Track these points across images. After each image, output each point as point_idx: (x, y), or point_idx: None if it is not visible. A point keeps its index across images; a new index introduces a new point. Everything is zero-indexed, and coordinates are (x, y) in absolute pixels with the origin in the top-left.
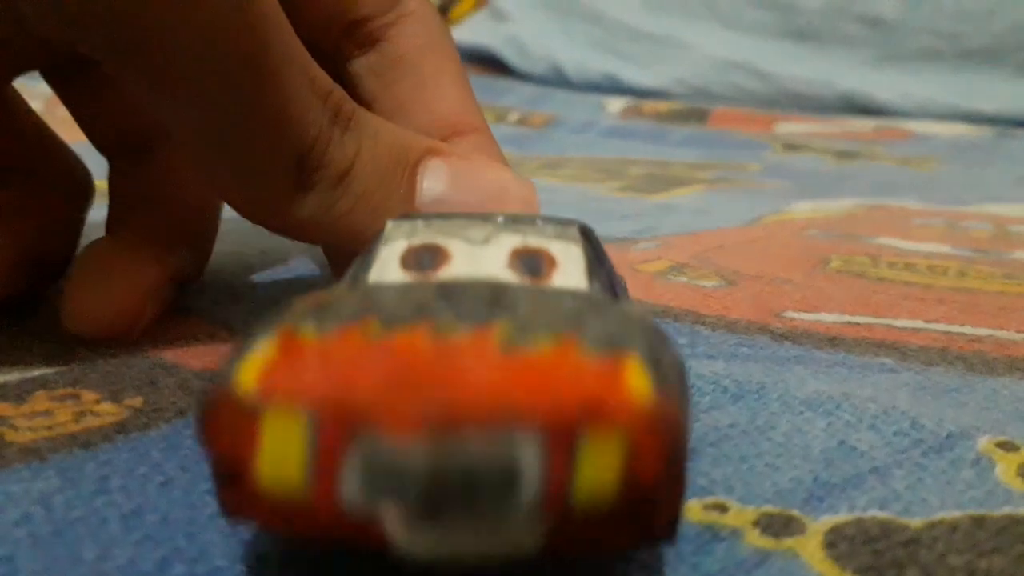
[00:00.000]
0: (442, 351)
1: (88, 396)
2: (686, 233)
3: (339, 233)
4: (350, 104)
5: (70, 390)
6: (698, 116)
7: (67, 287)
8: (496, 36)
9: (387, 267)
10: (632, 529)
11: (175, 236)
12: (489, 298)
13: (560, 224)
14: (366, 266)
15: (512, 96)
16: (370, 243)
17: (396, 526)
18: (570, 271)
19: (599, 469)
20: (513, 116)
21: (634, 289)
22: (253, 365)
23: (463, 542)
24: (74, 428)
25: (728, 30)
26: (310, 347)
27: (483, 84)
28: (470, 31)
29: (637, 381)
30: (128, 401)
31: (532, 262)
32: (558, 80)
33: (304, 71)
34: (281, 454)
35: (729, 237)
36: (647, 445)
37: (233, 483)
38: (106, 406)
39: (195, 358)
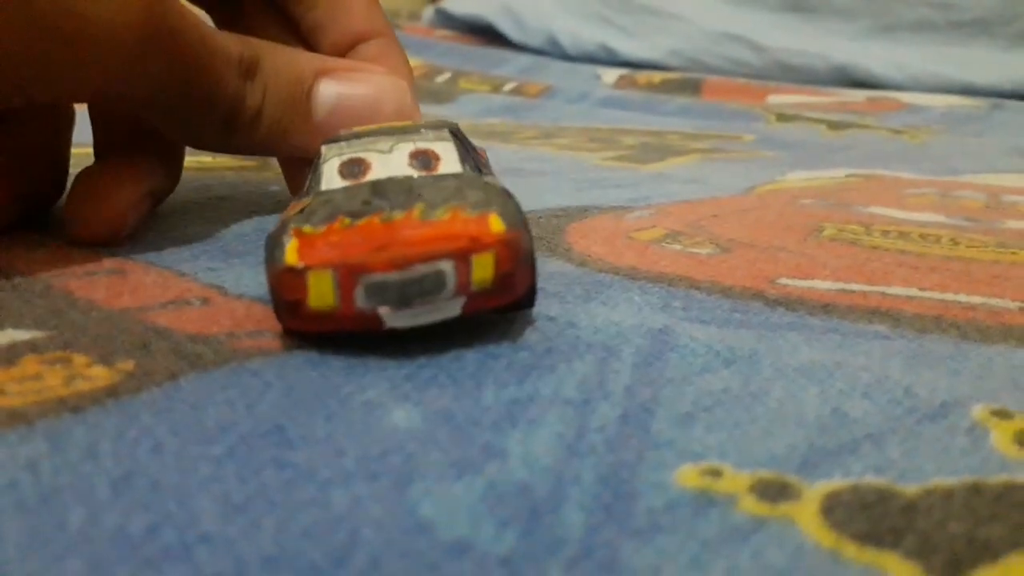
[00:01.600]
0: (388, 227)
1: (79, 360)
2: (680, 202)
3: (261, 152)
4: (252, 52)
5: (60, 353)
6: (692, 87)
7: (67, 203)
8: (492, 7)
9: (332, 178)
10: (506, 295)
11: (151, 158)
12: (406, 189)
13: (436, 128)
14: (316, 179)
15: (508, 66)
16: (314, 161)
17: (387, 315)
18: (449, 161)
19: (483, 268)
20: (508, 86)
21: (629, 256)
22: (292, 250)
23: (423, 316)
24: (63, 392)
25: (722, 2)
26: (315, 237)
27: (479, 54)
28: (467, 2)
29: (496, 225)
30: (120, 365)
31: (424, 159)
32: (553, 50)
33: (216, 53)
34: (320, 291)
35: (723, 206)
36: (503, 253)
37: (295, 311)
38: (97, 370)
39: (188, 322)
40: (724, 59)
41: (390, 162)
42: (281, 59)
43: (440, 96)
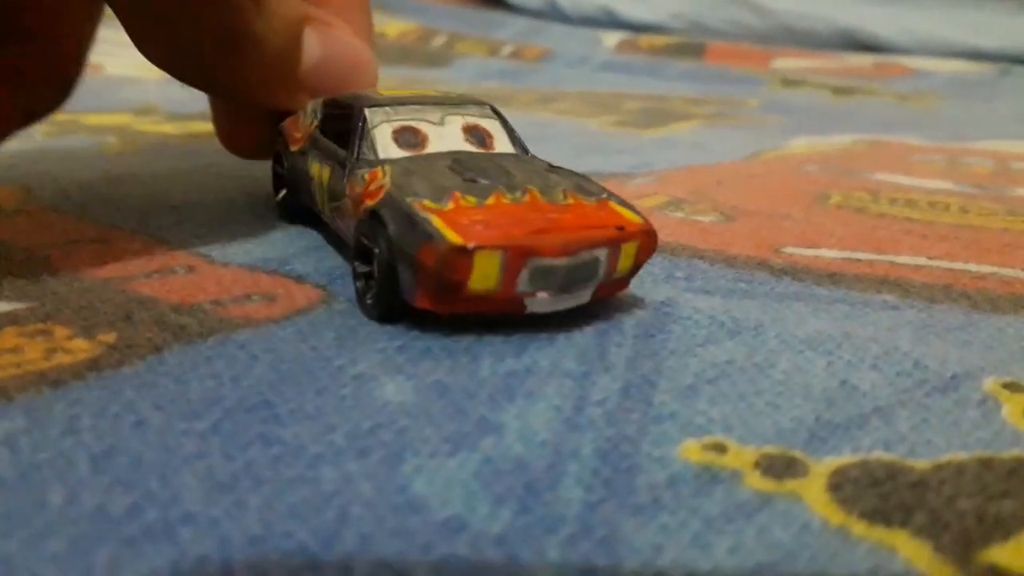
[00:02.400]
0: (525, 208)
1: (60, 332)
2: (683, 168)
3: (244, 93)
4: None
5: (41, 326)
6: (695, 51)
7: None
8: None
9: (388, 146)
10: (623, 284)
11: (37, 72)
12: (495, 167)
13: (479, 104)
14: (369, 145)
15: (506, 29)
16: (354, 124)
17: (541, 300)
18: (502, 141)
19: (627, 259)
20: (507, 49)
21: None
22: (445, 229)
23: (566, 302)
24: (44, 366)
25: None
26: (450, 214)
27: (477, 17)
28: None
29: (628, 214)
30: (102, 337)
31: (479, 135)
32: (553, 13)
33: None
34: (485, 273)
35: (727, 172)
36: (644, 245)
37: (453, 293)
38: (78, 342)
39: (172, 292)
40: (727, 22)
41: (445, 135)
42: None
43: (436, 60)
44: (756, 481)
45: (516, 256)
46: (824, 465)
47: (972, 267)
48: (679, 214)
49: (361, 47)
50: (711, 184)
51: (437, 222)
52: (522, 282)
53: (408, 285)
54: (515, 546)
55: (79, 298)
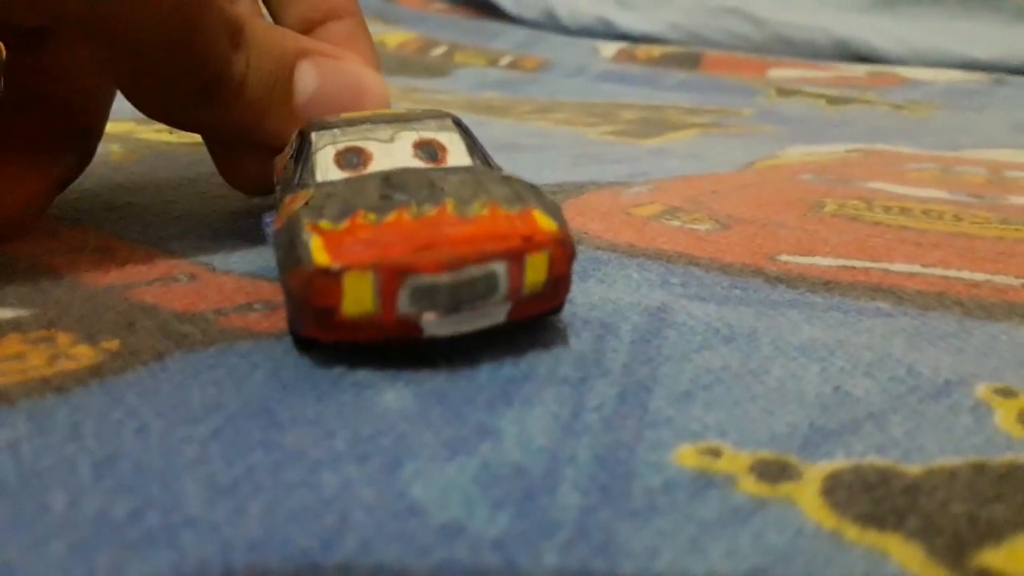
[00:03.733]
0: (426, 224)
1: (63, 339)
2: (679, 177)
3: (233, 132)
4: (239, 20)
5: (44, 332)
6: (691, 61)
7: None
8: None
9: (327, 168)
10: (551, 300)
11: (59, 140)
12: (425, 183)
13: (438, 118)
14: (309, 169)
15: (504, 39)
16: (299, 148)
17: (431, 322)
18: (457, 153)
19: (537, 272)
20: (505, 60)
21: (627, 233)
22: (318, 251)
23: (468, 322)
24: (47, 372)
25: None
26: (339, 234)
27: (475, 27)
28: None
29: (544, 222)
30: (105, 344)
31: (430, 150)
32: (551, 24)
33: (216, 14)
34: (358, 296)
35: (723, 181)
36: (559, 255)
37: (327, 319)
38: (82, 349)
39: (176, 299)
40: (724, 32)
41: (393, 152)
42: (264, 33)
43: (435, 70)
44: (751, 486)
45: (390, 275)
46: (818, 470)
47: (966, 275)
48: (675, 222)
49: (367, 74)
50: (706, 193)
51: (315, 243)
52: (403, 304)
53: (292, 315)
54: (513, 550)
55: (82, 305)
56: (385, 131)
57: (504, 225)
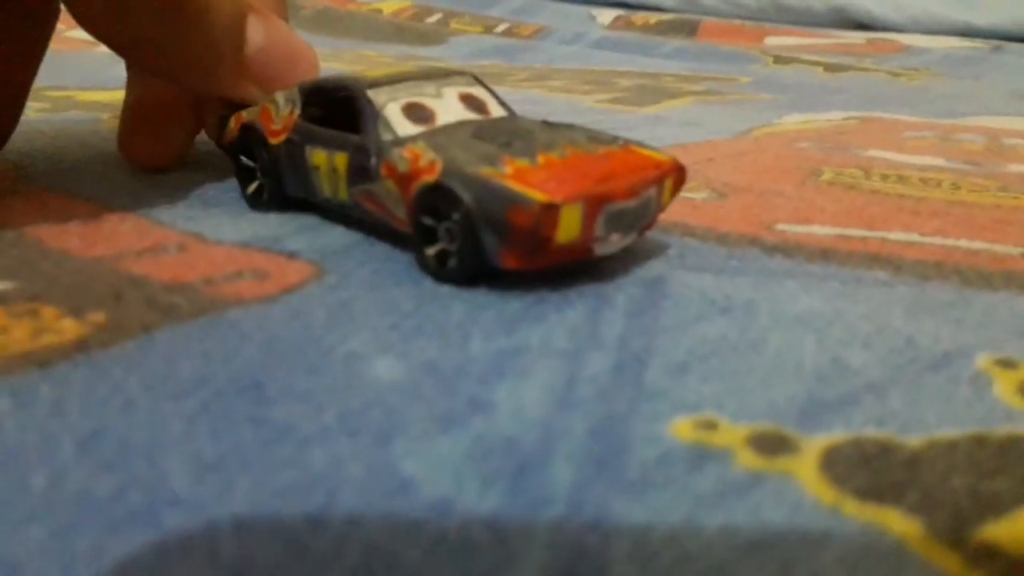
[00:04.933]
0: (578, 161)
1: (48, 312)
2: (676, 145)
3: (196, 72)
4: None
5: (29, 305)
6: (688, 28)
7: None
8: None
9: (402, 122)
10: (653, 222)
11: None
12: (512, 131)
13: (460, 75)
14: (384, 122)
15: (501, 7)
16: (359, 107)
17: (614, 241)
18: (494, 106)
19: (668, 193)
20: (501, 27)
21: None
22: (526, 188)
23: (624, 241)
24: (30, 346)
25: None
26: (520, 175)
27: None
28: None
29: (654, 154)
30: (91, 317)
31: (474, 103)
32: None
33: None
34: (569, 225)
35: (719, 149)
36: (677, 180)
37: (542, 247)
38: (67, 322)
39: (164, 271)
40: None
41: (448, 107)
42: None
43: (430, 38)
44: (748, 459)
45: (594, 204)
46: (816, 442)
47: (964, 243)
48: None
49: (300, 39)
50: (703, 161)
51: (514, 184)
52: (599, 228)
53: (493, 248)
54: (504, 526)
55: (69, 277)
56: (429, 87)
57: (636, 158)
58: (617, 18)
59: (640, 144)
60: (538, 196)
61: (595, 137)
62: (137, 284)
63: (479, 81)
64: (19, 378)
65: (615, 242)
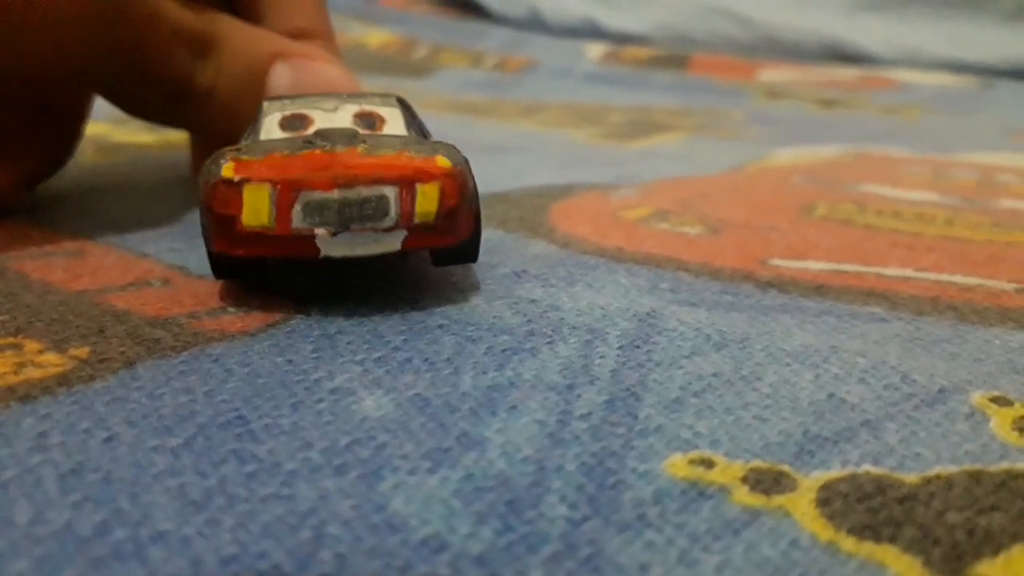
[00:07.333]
0: (331, 156)
1: (31, 346)
2: (668, 179)
3: (208, 133)
4: (211, 29)
5: (12, 339)
6: (679, 62)
7: None
8: None
9: (271, 130)
10: (448, 235)
11: (31, 139)
12: (349, 135)
13: (384, 96)
14: (255, 132)
15: (489, 40)
16: (253, 119)
17: (325, 239)
18: (394, 124)
19: (428, 201)
20: (490, 60)
21: (615, 236)
22: (228, 168)
23: (363, 245)
24: (12, 380)
25: None
26: (253, 161)
27: (459, 27)
28: None
29: (442, 161)
30: (73, 351)
31: (368, 120)
32: (536, 24)
33: (166, 27)
34: (255, 207)
35: (712, 184)
36: (450, 187)
37: (228, 228)
38: (49, 356)
39: (147, 304)
40: (712, 34)
41: (334, 120)
42: (241, 38)
43: (419, 71)
44: (744, 496)
45: (285, 190)
46: (813, 479)
47: (959, 279)
48: (664, 225)
49: (341, 75)
50: (696, 196)
51: (227, 165)
52: (296, 217)
53: (204, 230)
54: (496, 566)
55: (52, 311)
56: (331, 103)
57: (402, 160)
58: (607, 53)
59: (458, 160)
60: (225, 172)
61: (421, 149)
62: (120, 318)
63: (401, 103)
64: (2, 412)
65: (338, 242)
